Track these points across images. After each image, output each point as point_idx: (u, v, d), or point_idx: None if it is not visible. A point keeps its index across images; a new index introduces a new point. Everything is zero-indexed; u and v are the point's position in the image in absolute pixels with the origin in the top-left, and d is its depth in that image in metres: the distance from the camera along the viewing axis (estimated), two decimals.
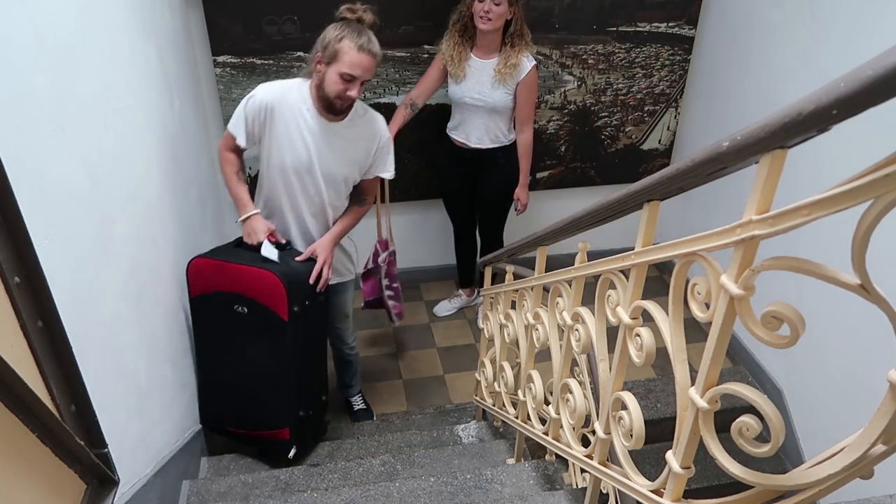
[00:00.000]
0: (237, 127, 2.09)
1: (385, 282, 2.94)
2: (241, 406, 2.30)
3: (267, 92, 2.05)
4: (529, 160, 2.97)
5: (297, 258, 2.15)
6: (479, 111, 2.83)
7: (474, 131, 2.90)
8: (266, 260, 2.08)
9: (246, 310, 2.13)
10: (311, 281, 2.14)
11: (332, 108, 2.02)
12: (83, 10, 1.57)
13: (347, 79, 1.94)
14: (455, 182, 3.12)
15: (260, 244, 2.10)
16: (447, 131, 3.01)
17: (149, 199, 1.99)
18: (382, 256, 2.90)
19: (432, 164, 3.27)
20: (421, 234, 3.55)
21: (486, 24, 2.61)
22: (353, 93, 1.97)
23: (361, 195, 2.30)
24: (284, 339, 2.13)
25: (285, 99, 2.04)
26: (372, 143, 2.17)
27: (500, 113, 2.84)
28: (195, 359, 2.32)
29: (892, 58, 0.58)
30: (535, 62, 2.75)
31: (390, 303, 2.98)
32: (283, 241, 2.17)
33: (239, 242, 2.18)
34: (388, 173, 2.26)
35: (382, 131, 2.19)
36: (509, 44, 2.70)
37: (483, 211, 3.20)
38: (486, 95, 2.78)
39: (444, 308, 3.58)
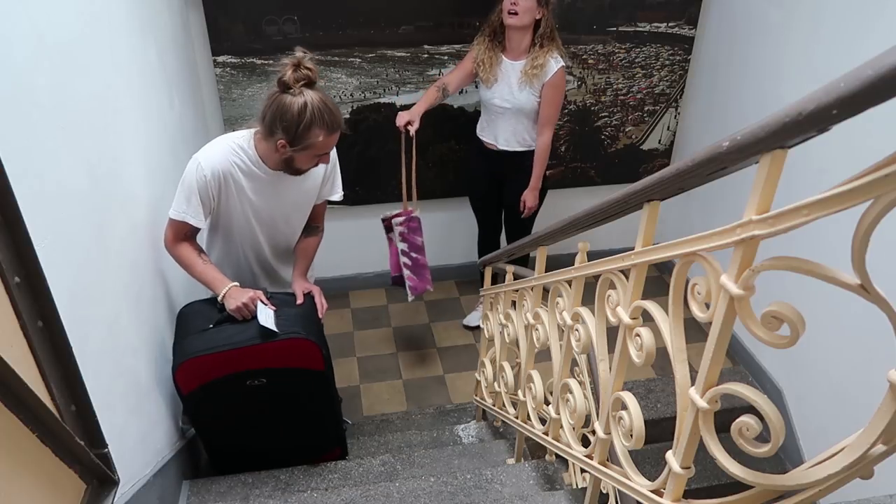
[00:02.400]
0: (189, 212, 1.90)
1: (402, 246, 2.81)
2: (281, 456, 2.26)
3: (211, 162, 1.88)
4: (544, 165, 2.93)
5: (297, 303, 2.06)
6: (507, 113, 2.82)
7: (502, 133, 2.89)
8: (269, 330, 1.92)
9: (264, 380, 2.01)
10: (321, 315, 2.09)
11: (299, 173, 1.94)
12: (83, 10, 1.57)
13: (322, 154, 1.87)
14: (483, 184, 3.10)
15: (253, 316, 1.93)
16: (477, 133, 3.00)
17: (149, 199, 1.99)
18: (399, 220, 2.78)
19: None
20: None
21: (512, 18, 2.59)
22: (326, 160, 1.92)
23: (313, 223, 2.21)
24: (324, 385, 2.10)
25: (233, 164, 1.91)
26: (320, 168, 2.03)
27: (527, 115, 2.82)
28: (202, 442, 2.23)
29: (892, 58, 0.58)
30: (562, 64, 2.72)
31: (405, 272, 2.85)
32: (269, 301, 2.00)
33: (219, 320, 1.96)
34: (337, 195, 2.17)
35: (330, 155, 2.04)
36: (538, 44, 2.68)
37: (510, 215, 3.16)
38: (513, 97, 2.77)
39: (475, 318, 3.46)
